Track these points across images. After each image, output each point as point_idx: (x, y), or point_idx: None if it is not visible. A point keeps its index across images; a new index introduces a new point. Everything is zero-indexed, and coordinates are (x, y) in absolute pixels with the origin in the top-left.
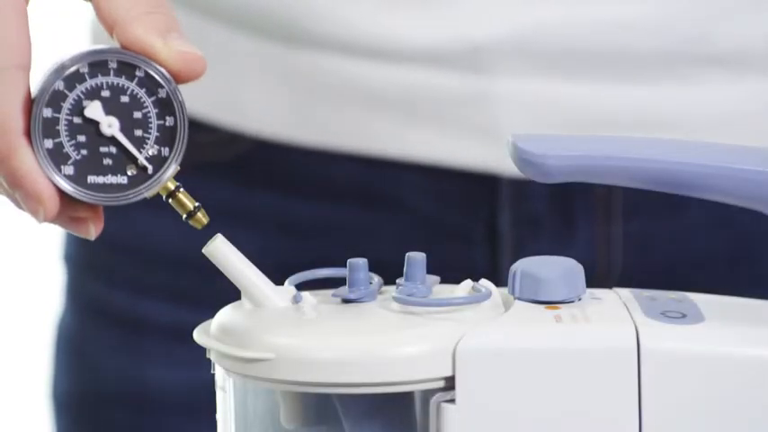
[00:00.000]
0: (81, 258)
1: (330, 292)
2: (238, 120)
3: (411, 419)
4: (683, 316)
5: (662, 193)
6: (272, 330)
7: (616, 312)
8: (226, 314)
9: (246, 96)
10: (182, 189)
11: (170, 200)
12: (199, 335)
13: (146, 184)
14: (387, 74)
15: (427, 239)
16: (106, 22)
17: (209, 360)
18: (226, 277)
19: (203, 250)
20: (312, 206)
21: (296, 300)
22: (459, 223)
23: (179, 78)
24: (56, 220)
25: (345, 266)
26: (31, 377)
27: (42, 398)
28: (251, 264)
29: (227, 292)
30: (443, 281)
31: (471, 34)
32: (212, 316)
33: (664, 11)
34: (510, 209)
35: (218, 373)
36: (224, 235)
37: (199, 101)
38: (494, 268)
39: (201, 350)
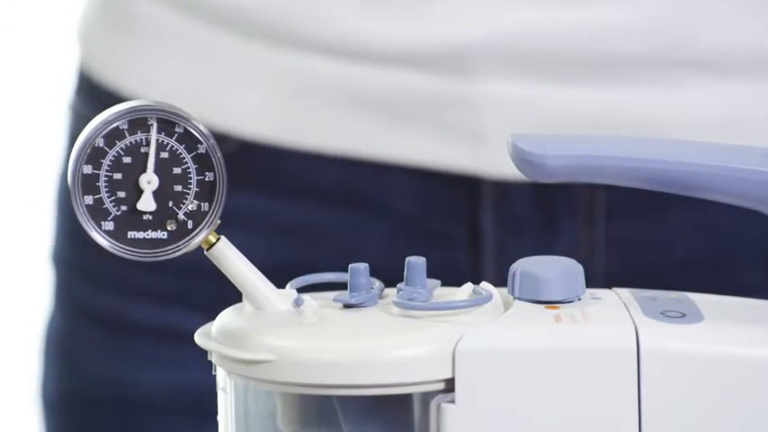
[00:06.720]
0: (69, 259)
1: (331, 295)
2: (223, 121)
3: (410, 421)
4: (683, 315)
5: (645, 196)
6: (273, 332)
7: (616, 312)
8: (227, 316)
9: (232, 97)
10: (222, 238)
11: (210, 250)
12: (200, 337)
13: (185, 239)
14: (370, 76)
15: (410, 241)
16: None
17: (197, 361)
18: (212, 280)
19: (206, 253)
20: (297, 208)
21: (297, 303)
22: (442, 225)
23: None
24: None
25: (333, 269)
26: (21, 379)
27: (32, 400)
28: (253, 266)
29: (214, 294)
30: None
31: (454, 37)
32: (198, 318)
33: (646, 15)
34: (492, 211)
35: (220, 374)
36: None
37: (184, 102)
38: (475, 269)
39: (187, 352)
